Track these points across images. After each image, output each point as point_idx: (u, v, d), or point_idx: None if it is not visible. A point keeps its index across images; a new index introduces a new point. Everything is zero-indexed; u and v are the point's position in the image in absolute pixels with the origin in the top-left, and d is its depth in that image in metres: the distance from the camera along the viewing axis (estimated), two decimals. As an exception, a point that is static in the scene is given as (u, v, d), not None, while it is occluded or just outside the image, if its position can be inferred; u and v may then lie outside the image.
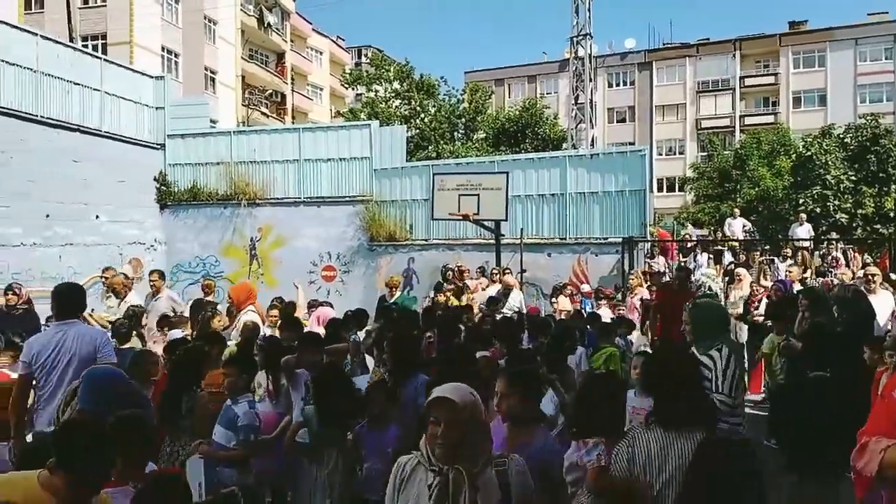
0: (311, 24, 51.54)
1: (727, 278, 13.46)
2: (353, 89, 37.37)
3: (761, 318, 10.60)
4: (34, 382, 5.23)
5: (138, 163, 16.87)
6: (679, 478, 3.04)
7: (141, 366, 5.42)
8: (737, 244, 17.38)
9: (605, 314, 10.49)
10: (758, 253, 15.17)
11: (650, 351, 7.63)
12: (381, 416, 4.70)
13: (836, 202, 25.89)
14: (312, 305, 10.74)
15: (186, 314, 9.60)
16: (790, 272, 12.29)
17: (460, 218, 13.94)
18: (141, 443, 3.49)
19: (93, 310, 9.48)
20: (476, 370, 5.03)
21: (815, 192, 26.16)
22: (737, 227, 18.86)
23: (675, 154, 49.78)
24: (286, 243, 16.94)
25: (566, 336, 6.96)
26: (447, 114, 30.01)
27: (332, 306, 10.75)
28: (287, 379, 5.77)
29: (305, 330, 7.93)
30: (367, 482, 4.50)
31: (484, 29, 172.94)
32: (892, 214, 25.74)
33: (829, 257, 15.62)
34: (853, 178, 26.28)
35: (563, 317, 10.85)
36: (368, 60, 38.67)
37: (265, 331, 8.48)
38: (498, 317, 9.57)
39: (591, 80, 30.83)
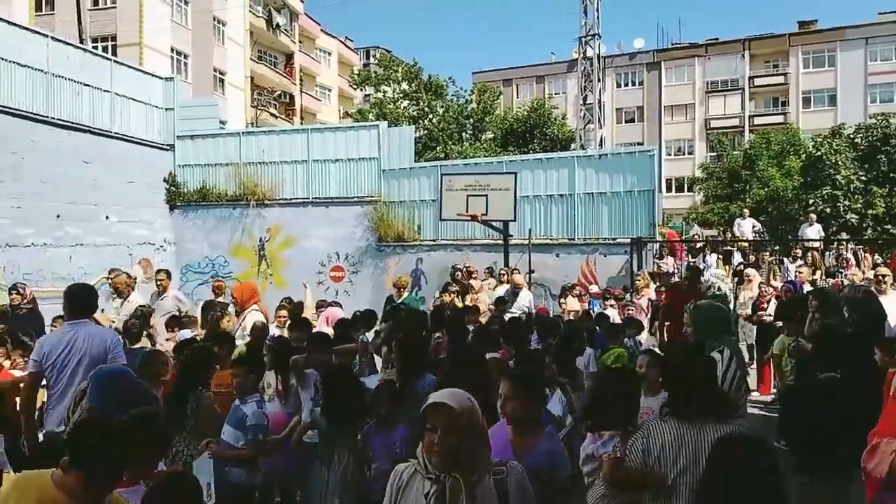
0: (319, 24, 51.63)
1: (736, 279, 13.41)
2: (361, 90, 37.47)
3: (769, 319, 10.57)
4: (45, 382, 5.26)
5: (148, 163, 16.95)
6: (693, 468, 3.12)
7: (150, 366, 5.44)
8: (746, 245, 17.32)
9: (613, 315, 10.47)
10: (767, 253, 15.11)
11: (658, 351, 7.61)
12: (388, 416, 4.71)
13: (847, 202, 25.79)
14: (321, 306, 10.74)
15: (191, 313, 9.66)
16: (800, 273, 12.24)
17: (468, 218, 13.94)
18: (153, 442, 3.51)
19: (102, 310, 9.53)
20: (485, 371, 5.03)
21: (825, 192, 26.05)
22: (746, 227, 18.78)
23: (684, 154, 49.62)
24: (295, 244, 16.98)
25: (574, 337, 6.96)
26: (455, 114, 30.02)
27: (340, 306, 10.76)
28: (296, 379, 5.79)
29: (314, 330, 7.94)
30: (375, 482, 4.50)
31: (492, 29, 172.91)
32: (902, 214, 25.62)
33: (840, 258, 15.54)
34: (863, 178, 26.16)
35: (571, 317, 10.83)
36: (377, 61, 38.79)
37: (273, 331, 8.50)
38: (506, 317, 9.56)
39: (599, 80, 30.82)
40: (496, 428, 3.45)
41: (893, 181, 26.06)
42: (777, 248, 17.32)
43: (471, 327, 8.28)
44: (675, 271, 14.31)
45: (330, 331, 7.77)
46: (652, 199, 14.82)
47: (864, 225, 25.46)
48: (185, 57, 35.48)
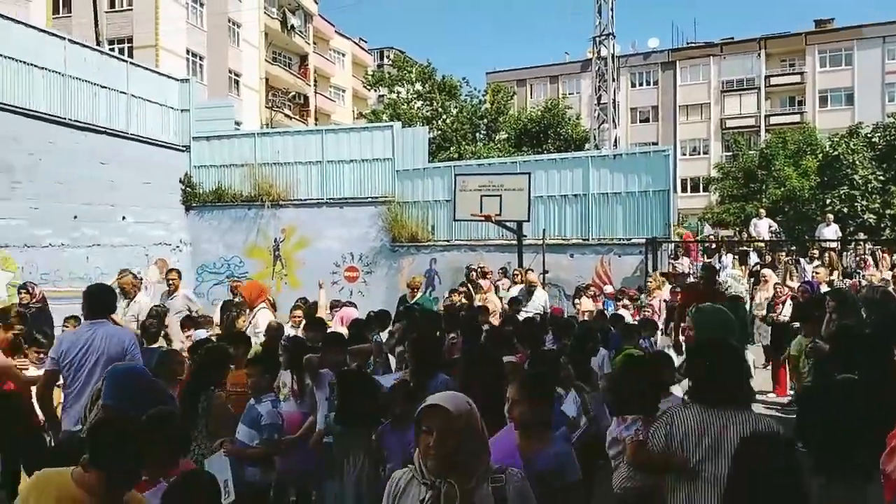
0: (333, 26, 51.80)
1: (752, 280, 13.33)
2: (375, 91, 37.51)
3: (785, 319, 10.51)
4: (60, 381, 5.30)
5: (164, 164, 17.08)
6: (715, 454, 3.21)
7: (167, 365, 5.48)
8: (762, 245, 17.20)
9: (626, 316, 10.43)
10: (783, 253, 15.01)
11: (671, 352, 7.59)
12: (403, 415, 4.71)
13: (864, 202, 25.55)
14: (336, 306, 10.78)
15: (202, 313, 9.72)
16: (817, 273, 12.15)
17: (482, 219, 13.94)
18: (171, 441, 3.54)
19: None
20: (501, 372, 5.02)
21: (842, 192, 25.84)
22: (762, 227, 18.67)
23: (699, 154, 49.37)
24: (309, 244, 17.04)
25: (588, 337, 6.94)
26: (469, 115, 30.00)
27: (355, 307, 10.79)
28: (311, 379, 5.81)
29: (329, 330, 7.96)
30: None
31: (506, 29, 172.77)
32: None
33: (858, 258, 15.42)
34: (881, 177, 25.93)
35: (585, 318, 10.81)
36: (390, 62, 38.82)
37: (288, 331, 8.55)
38: (521, 317, 9.54)
39: (614, 79, 30.68)
40: (503, 432, 3.41)
41: (911, 181, 25.83)
42: (794, 248, 17.19)
43: (484, 327, 8.27)
44: (691, 272, 14.25)
45: (344, 331, 7.79)
46: (667, 200, 14.76)
47: (882, 225, 25.24)
48: (201, 58, 35.70)
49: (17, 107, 13.41)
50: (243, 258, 17.46)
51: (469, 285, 12.13)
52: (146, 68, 17.95)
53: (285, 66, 44.03)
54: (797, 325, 8.87)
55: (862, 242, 18.70)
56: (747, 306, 11.17)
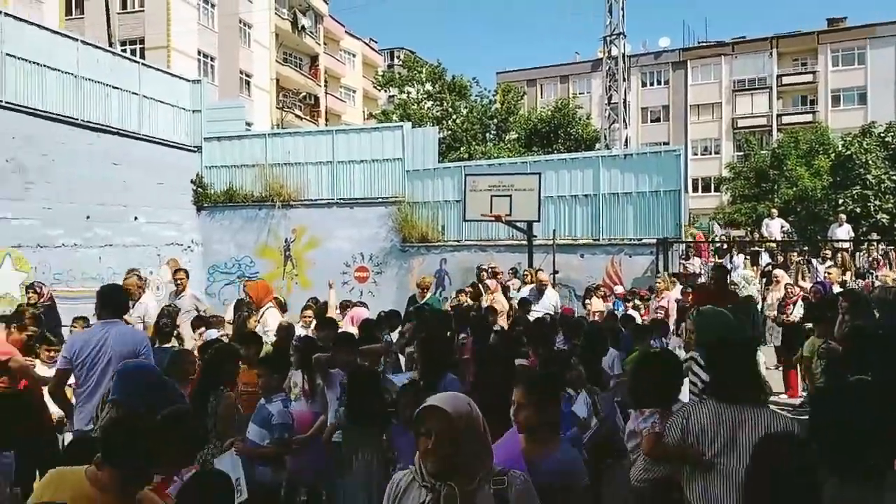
0: (343, 26, 51.92)
1: (765, 280, 13.27)
2: (385, 91, 37.56)
3: (796, 320, 10.45)
4: (74, 380, 5.34)
5: (175, 165, 17.16)
6: (730, 448, 3.30)
7: (179, 364, 5.51)
8: (774, 245, 17.12)
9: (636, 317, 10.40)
10: (795, 254, 14.93)
11: (680, 353, 7.56)
12: (412, 416, 4.71)
13: (877, 202, 25.39)
14: (347, 306, 10.79)
15: (209, 312, 9.78)
16: (829, 273, 12.08)
17: (492, 219, 13.93)
18: (188, 438, 3.55)
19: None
20: (511, 373, 5.01)
21: (855, 192, 25.69)
22: (774, 227, 18.58)
23: (710, 154, 49.18)
24: (320, 244, 17.08)
25: (598, 338, 6.91)
26: (479, 115, 30.01)
27: (366, 307, 10.81)
28: (322, 378, 5.82)
29: (339, 330, 7.98)
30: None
31: (516, 29, 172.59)
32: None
33: (870, 258, 15.32)
34: (895, 177, 25.72)
35: (596, 318, 10.78)
36: (401, 62, 38.88)
37: (299, 330, 8.58)
38: (531, 317, 9.53)
39: (624, 79, 30.63)
40: (507, 436, 3.36)
41: (926, 181, 25.63)
42: (806, 248, 17.10)
43: (495, 328, 8.27)
44: (702, 272, 14.19)
45: (355, 331, 7.81)
46: (678, 200, 14.70)
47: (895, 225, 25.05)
48: (212, 59, 35.86)
49: (30, 108, 13.50)
50: (254, 258, 17.52)
51: (480, 286, 12.13)
52: (158, 69, 18.03)
53: (296, 67, 44.16)
54: (809, 326, 8.82)
55: (875, 243, 18.58)
56: (759, 307, 11.11)
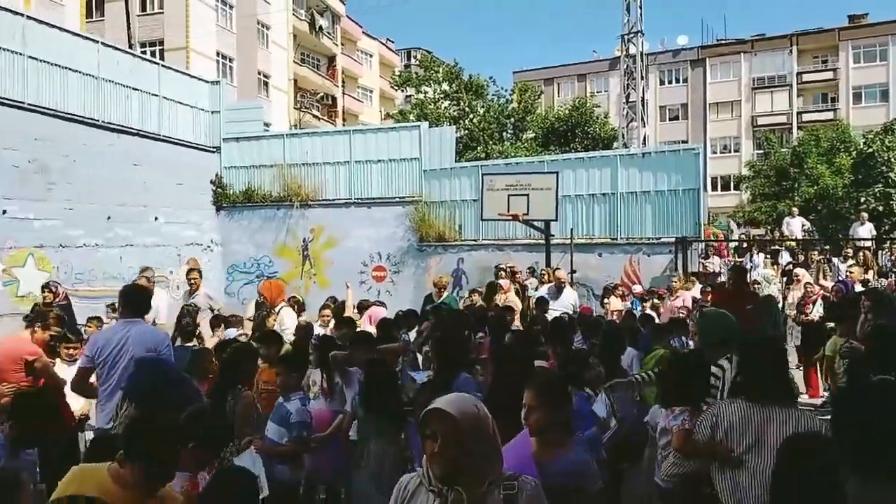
0: (361, 27, 52.06)
1: (785, 279, 13.14)
2: (402, 91, 37.64)
3: (815, 319, 10.33)
4: (95, 378, 5.40)
5: (195, 166, 17.28)
6: (758, 447, 3.43)
7: (199, 363, 5.56)
8: (794, 244, 16.95)
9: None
10: (816, 252, 14.77)
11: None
12: (424, 417, 4.71)
13: (900, 200, 25.04)
14: (365, 306, 10.81)
15: (223, 310, 9.88)
16: (851, 272, 11.93)
17: (510, 218, 13.89)
18: (210, 436, 3.58)
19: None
20: (529, 373, 5.00)
21: (877, 189, 25.38)
22: (795, 226, 18.40)
23: (729, 152, 48.77)
24: (337, 244, 17.12)
25: (616, 336, 6.87)
26: (496, 114, 29.99)
27: (384, 306, 10.84)
28: (340, 377, 5.85)
29: (357, 329, 8.01)
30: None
31: (533, 28, 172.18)
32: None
33: (893, 257, 15.13)
34: (918, 175, 25.39)
35: (614, 317, 10.72)
36: (417, 62, 38.98)
37: (318, 329, 8.63)
38: (549, 317, 9.49)
39: (642, 77, 30.49)
40: (518, 439, 3.30)
41: (949, 178, 25.26)
42: (827, 247, 16.91)
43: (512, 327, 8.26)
44: (721, 271, 14.09)
45: (373, 330, 7.84)
46: (697, 198, 14.58)
47: (919, 223, 24.72)
48: (231, 60, 36.11)
49: (52, 109, 13.65)
50: (273, 258, 17.60)
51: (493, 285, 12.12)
52: (177, 70, 18.16)
53: (313, 68, 44.35)
54: (830, 325, 8.72)
55: (897, 241, 18.33)
56: (780, 306, 11.02)
